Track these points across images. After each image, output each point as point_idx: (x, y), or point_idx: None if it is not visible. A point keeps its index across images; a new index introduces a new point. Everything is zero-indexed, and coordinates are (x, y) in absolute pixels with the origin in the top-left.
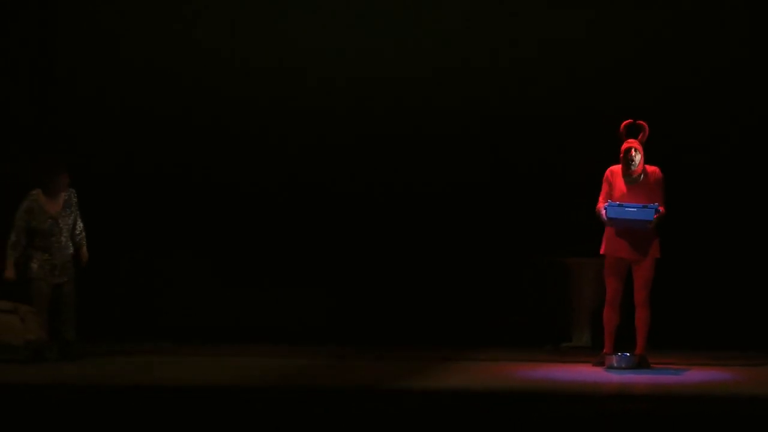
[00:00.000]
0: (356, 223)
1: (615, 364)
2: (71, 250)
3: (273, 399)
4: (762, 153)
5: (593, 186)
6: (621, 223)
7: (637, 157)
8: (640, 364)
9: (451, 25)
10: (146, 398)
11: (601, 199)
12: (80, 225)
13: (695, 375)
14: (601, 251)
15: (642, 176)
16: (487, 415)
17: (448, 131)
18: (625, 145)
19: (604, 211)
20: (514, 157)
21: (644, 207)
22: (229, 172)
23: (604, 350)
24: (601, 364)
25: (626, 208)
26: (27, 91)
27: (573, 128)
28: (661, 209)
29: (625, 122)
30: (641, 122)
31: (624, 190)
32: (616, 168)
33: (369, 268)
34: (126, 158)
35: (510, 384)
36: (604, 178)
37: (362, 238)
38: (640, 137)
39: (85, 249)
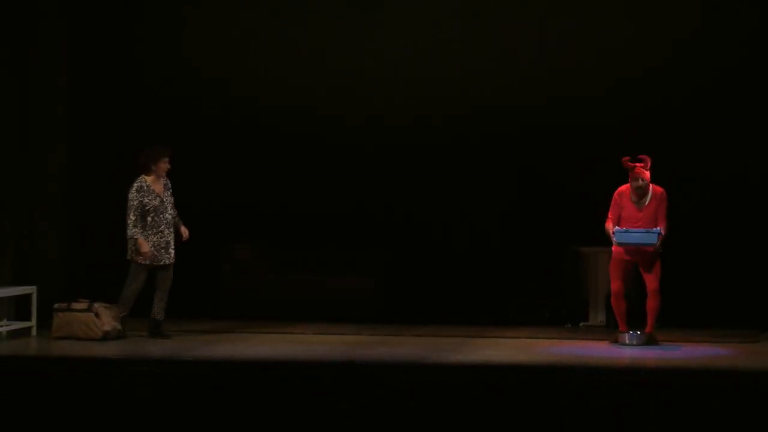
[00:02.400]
0: (401, 221)
1: (627, 341)
2: (173, 230)
3: (326, 371)
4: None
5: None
6: (628, 245)
7: (644, 183)
8: (649, 341)
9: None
10: (220, 370)
11: (609, 217)
12: (174, 209)
13: (697, 350)
14: (613, 248)
15: (648, 198)
16: (514, 383)
17: (490, 145)
18: (633, 173)
19: (613, 237)
20: (540, 161)
21: (647, 232)
22: (288, 176)
23: (619, 329)
24: (616, 341)
25: (632, 234)
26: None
27: (596, 150)
28: (661, 229)
29: (625, 159)
30: (643, 156)
31: (632, 210)
32: (624, 189)
33: (411, 259)
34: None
35: (534, 357)
36: (613, 199)
37: (406, 234)
38: (644, 165)
39: (183, 226)
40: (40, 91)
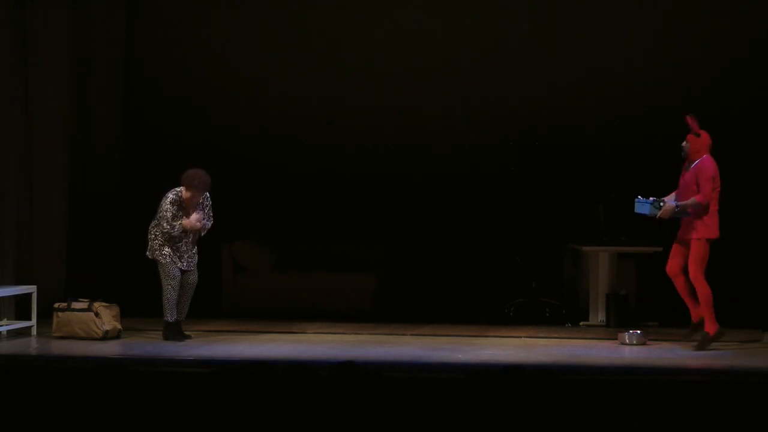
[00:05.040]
0: (402, 220)
1: (627, 341)
2: (196, 250)
3: (326, 370)
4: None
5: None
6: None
7: (686, 147)
8: (701, 342)
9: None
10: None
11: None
12: (210, 222)
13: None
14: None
15: (692, 166)
16: (514, 382)
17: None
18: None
19: None
20: (542, 160)
21: (644, 202)
22: (284, 175)
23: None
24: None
25: (637, 203)
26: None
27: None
28: (694, 199)
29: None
30: (689, 117)
31: (680, 177)
32: None
33: (411, 258)
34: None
35: (534, 357)
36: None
37: (407, 233)
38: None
39: (201, 229)
40: (41, 92)
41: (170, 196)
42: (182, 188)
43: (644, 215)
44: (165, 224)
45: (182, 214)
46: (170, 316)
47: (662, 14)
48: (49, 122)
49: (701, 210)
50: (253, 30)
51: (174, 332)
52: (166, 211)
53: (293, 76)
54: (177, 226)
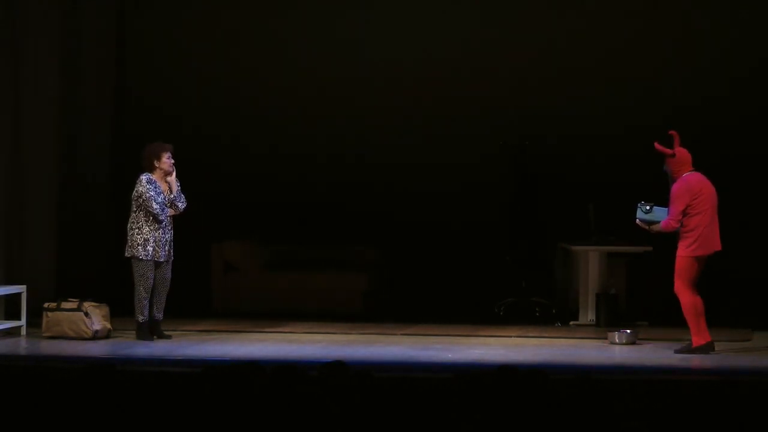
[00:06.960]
0: (392, 220)
1: (616, 340)
2: (172, 228)
3: (315, 370)
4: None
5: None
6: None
7: (666, 168)
8: (681, 350)
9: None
10: (210, 369)
11: None
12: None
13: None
14: None
15: (671, 185)
16: (504, 382)
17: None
18: None
19: None
20: (531, 160)
21: (638, 206)
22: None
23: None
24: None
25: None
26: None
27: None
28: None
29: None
30: (672, 132)
31: None
32: None
33: (401, 258)
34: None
35: (524, 356)
36: None
37: (397, 233)
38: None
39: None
40: (31, 93)
41: (143, 179)
42: (147, 173)
43: (643, 226)
44: (154, 204)
45: (157, 195)
46: (141, 317)
47: (660, 23)
48: (40, 121)
49: (681, 230)
50: (242, 40)
51: (145, 332)
52: (147, 191)
53: (289, 76)
54: (161, 198)
